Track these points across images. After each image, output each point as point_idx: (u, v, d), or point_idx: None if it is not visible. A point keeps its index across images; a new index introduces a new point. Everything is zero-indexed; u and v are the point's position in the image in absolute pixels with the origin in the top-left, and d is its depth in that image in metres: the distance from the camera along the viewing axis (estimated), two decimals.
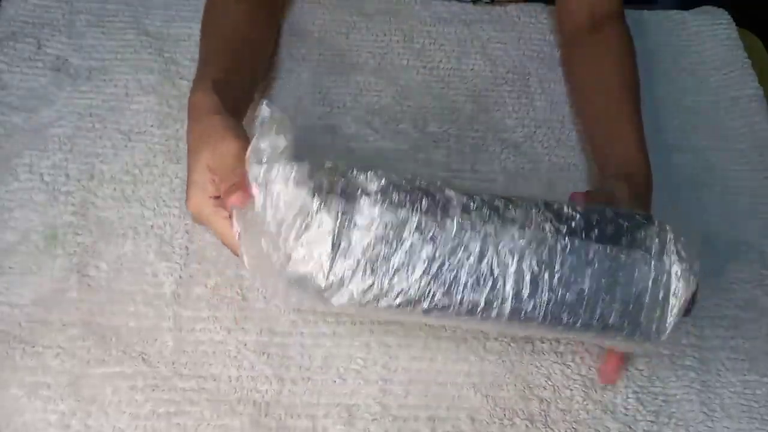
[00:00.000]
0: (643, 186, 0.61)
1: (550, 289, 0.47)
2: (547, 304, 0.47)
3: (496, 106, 0.73)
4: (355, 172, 0.47)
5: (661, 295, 0.48)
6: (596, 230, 0.48)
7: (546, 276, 0.46)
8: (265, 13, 0.72)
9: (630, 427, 0.55)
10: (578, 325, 0.48)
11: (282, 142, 0.45)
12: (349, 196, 0.46)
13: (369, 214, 0.45)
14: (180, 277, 0.60)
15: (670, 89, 0.76)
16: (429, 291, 0.46)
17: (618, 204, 0.55)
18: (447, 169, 0.68)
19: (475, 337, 0.58)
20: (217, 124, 0.51)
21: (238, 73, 0.62)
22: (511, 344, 0.58)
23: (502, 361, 0.58)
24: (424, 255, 0.46)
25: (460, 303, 0.47)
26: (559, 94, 0.74)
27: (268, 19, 0.73)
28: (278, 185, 0.45)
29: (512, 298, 0.46)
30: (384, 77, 0.74)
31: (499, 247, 0.46)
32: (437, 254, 0.46)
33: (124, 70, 0.71)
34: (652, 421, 0.56)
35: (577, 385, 0.57)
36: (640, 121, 0.66)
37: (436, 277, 0.46)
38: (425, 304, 0.47)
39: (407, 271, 0.46)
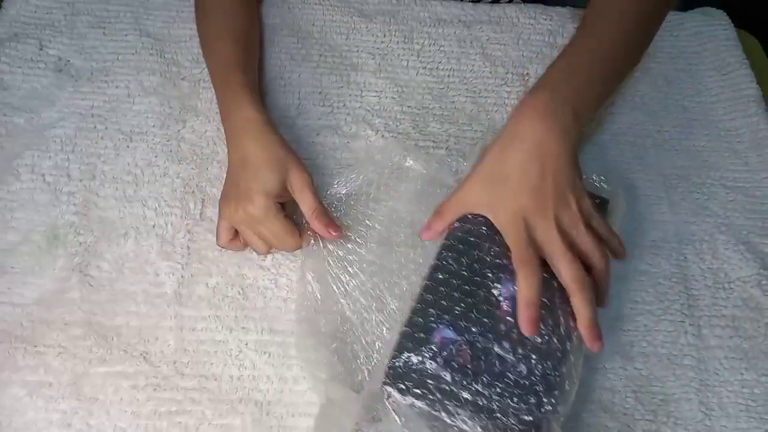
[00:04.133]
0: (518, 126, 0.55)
1: None
2: None
3: (496, 106, 0.73)
4: None
5: None
6: None
7: None
8: (255, 4, 0.76)
9: (629, 426, 0.56)
10: None
11: None
12: None
13: None
14: (181, 276, 0.60)
15: (669, 90, 0.76)
16: None
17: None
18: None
19: None
20: (285, 151, 0.59)
21: (255, 69, 0.69)
22: None
23: None
24: None
25: None
26: None
27: (257, 8, 0.77)
28: None
29: None
30: (384, 77, 0.74)
31: None
32: None
33: (126, 71, 0.71)
34: (650, 420, 0.56)
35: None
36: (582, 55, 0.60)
37: None
38: None
39: None
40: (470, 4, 0.81)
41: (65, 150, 0.66)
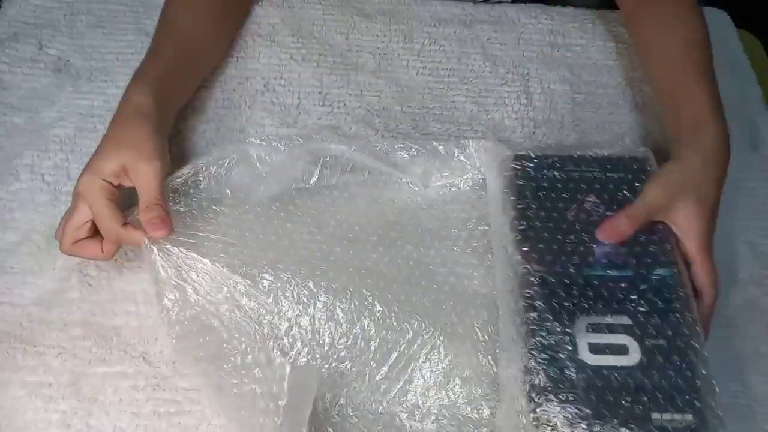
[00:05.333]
0: (715, 149, 0.59)
1: None
2: None
3: (496, 106, 0.73)
4: None
5: None
6: None
7: None
8: (229, 15, 0.73)
9: None
10: None
11: None
12: None
13: None
14: None
15: None
16: None
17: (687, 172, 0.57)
18: None
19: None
20: (146, 137, 0.56)
21: (183, 72, 0.65)
22: None
23: None
24: None
25: None
26: (559, 94, 0.74)
27: (231, 20, 0.74)
28: None
29: None
30: (384, 77, 0.74)
31: None
32: None
33: (125, 71, 0.71)
34: None
35: None
36: (713, 81, 0.64)
37: None
38: None
39: None
40: (471, 3, 0.81)
41: (65, 150, 0.66)
